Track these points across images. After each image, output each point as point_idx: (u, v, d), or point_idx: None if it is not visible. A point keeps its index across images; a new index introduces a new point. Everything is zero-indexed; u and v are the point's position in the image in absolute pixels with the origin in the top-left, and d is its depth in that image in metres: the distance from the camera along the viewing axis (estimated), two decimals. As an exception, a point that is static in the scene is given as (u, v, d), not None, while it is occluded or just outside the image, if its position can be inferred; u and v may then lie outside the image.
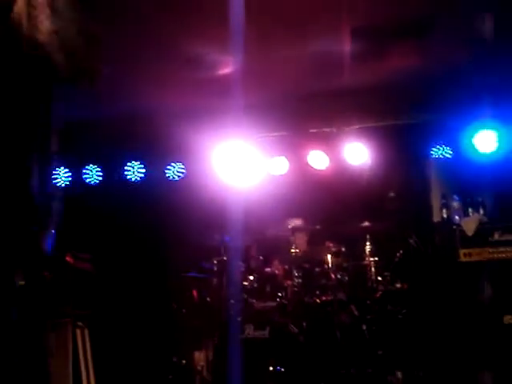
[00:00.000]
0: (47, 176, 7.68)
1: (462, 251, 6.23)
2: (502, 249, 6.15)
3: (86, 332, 6.28)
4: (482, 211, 6.53)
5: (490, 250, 6.18)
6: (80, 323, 6.21)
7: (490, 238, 6.22)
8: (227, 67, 6.44)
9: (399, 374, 6.38)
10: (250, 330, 6.40)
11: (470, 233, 6.27)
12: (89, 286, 6.43)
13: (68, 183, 7.90)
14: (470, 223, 6.34)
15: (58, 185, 7.85)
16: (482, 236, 6.24)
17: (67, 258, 6.13)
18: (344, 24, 5.77)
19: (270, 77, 6.68)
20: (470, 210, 6.57)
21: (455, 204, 6.68)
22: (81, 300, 6.27)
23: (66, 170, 7.92)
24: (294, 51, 6.17)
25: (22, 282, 5.56)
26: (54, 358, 5.89)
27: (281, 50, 6.13)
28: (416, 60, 6.35)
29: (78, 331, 6.19)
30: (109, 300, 6.90)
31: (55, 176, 7.85)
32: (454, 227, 6.40)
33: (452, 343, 6.12)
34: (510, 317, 5.97)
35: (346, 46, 6.08)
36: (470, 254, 6.21)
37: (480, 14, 5.52)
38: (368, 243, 6.91)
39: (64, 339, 6.00)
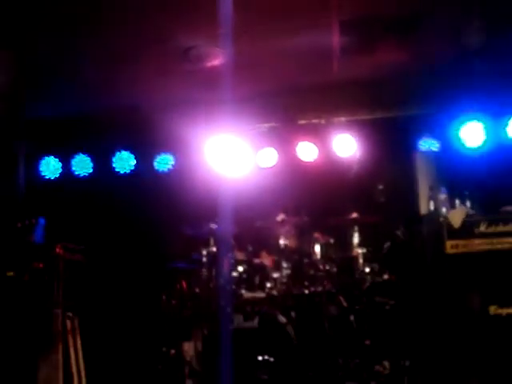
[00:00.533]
0: (34, 168, 7.70)
1: (448, 243, 6.27)
2: (488, 240, 6.20)
3: (76, 322, 6.31)
4: (468, 203, 6.58)
5: (477, 242, 6.23)
6: (70, 313, 6.24)
7: (476, 230, 6.26)
8: (216, 59, 6.46)
9: (386, 364, 6.45)
10: (238, 321, 6.44)
11: (456, 225, 6.32)
12: (79, 277, 6.46)
13: (58, 175, 7.92)
14: (456, 215, 6.39)
15: (47, 176, 7.87)
16: (468, 228, 6.29)
17: (57, 249, 6.15)
18: (333, 17, 5.80)
19: (260, 69, 6.71)
20: (456, 202, 6.63)
21: (442, 196, 6.74)
22: (71, 290, 6.30)
23: (56, 161, 7.93)
24: (284, 44, 6.20)
25: (11, 273, 5.60)
26: (43, 348, 5.93)
27: (270, 42, 6.16)
28: (404, 54, 6.40)
29: (68, 321, 6.22)
30: (99, 291, 6.93)
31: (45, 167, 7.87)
32: (441, 219, 6.45)
33: (438, 334, 6.18)
34: (495, 307, 6.03)
35: (335, 40, 6.11)
36: (456, 246, 6.26)
37: (467, 10, 5.57)
38: (356, 235, 6.96)
39: (54, 329, 6.03)
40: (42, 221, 6.29)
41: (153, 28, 5.81)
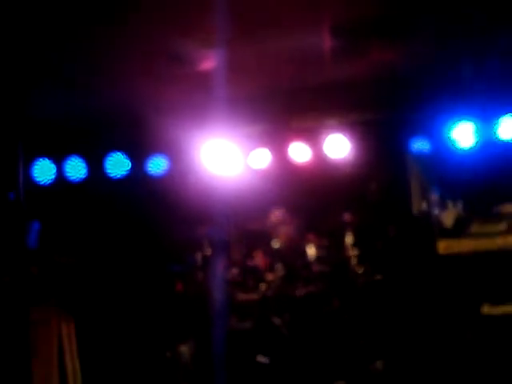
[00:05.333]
0: (31, 172, 7.70)
1: (440, 243, 6.33)
2: (479, 241, 6.26)
3: (72, 326, 6.32)
4: (460, 204, 6.63)
5: (468, 242, 6.29)
6: (65, 317, 6.25)
7: (468, 230, 6.33)
8: (209, 62, 6.48)
9: (380, 364, 6.50)
10: (233, 323, 6.48)
11: (448, 225, 6.38)
12: (74, 281, 6.46)
13: (52, 178, 7.90)
14: (448, 215, 6.45)
15: (41, 180, 7.85)
16: (460, 228, 6.36)
17: (52, 254, 6.16)
18: (324, 20, 5.83)
19: (251, 72, 6.73)
20: (448, 202, 6.68)
21: (434, 197, 6.79)
22: (66, 295, 6.30)
23: (50, 164, 7.91)
24: (275, 46, 6.22)
25: (7, 279, 5.61)
26: (39, 353, 5.94)
27: (262, 45, 6.17)
28: (395, 55, 6.43)
29: (64, 325, 6.23)
30: (94, 295, 6.94)
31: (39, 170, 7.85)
32: (433, 219, 6.50)
33: (432, 333, 6.24)
34: (487, 307, 6.09)
35: (327, 42, 6.14)
36: (448, 246, 6.32)
37: (456, 12, 5.60)
38: (349, 235, 7.00)
39: (49, 333, 6.04)
40: (36, 225, 6.30)
41: (146, 31, 5.81)
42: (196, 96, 6.86)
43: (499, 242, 6.25)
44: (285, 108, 7.63)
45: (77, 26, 5.64)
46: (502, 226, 6.29)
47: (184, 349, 6.70)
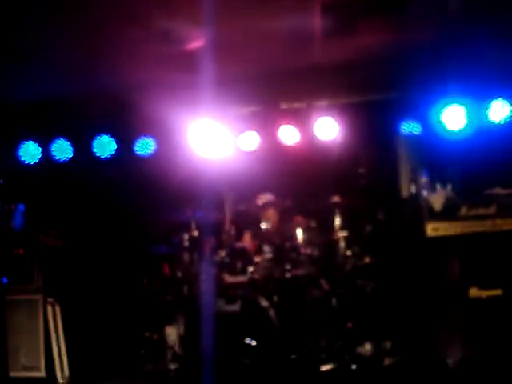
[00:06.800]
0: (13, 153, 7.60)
1: (429, 226, 6.31)
2: (468, 224, 6.25)
3: (57, 308, 6.30)
4: (449, 186, 6.61)
5: (457, 225, 6.27)
6: (51, 299, 6.23)
7: (457, 213, 6.31)
8: (198, 41, 6.41)
9: (368, 346, 6.51)
10: (221, 305, 6.45)
11: (437, 208, 6.36)
12: (60, 263, 6.43)
13: (37, 160, 7.84)
14: (437, 198, 6.42)
15: (26, 161, 7.79)
16: (449, 211, 6.33)
17: (38, 235, 6.12)
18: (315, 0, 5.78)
19: (241, 52, 6.67)
20: (437, 185, 6.66)
21: (423, 179, 6.77)
22: (52, 276, 6.27)
23: (36, 145, 7.85)
24: (265, 27, 6.16)
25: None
26: (25, 334, 5.92)
27: (252, 25, 6.11)
28: (386, 36, 6.38)
29: (49, 307, 6.21)
30: (80, 276, 6.92)
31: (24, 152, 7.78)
32: (422, 202, 6.48)
33: (419, 316, 6.24)
34: (475, 290, 6.09)
35: (317, 22, 6.08)
36: (437, 229, 6.30)
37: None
38: (338, 218, 6.98)
39: (35, 315, 6.02)
40: (21, 207, 6.26)
41: (132, 9, 5.74)
42: (184, 76, 6.79)
43: (488, 225, 6.23)
44: (274, 90, 7.58)
45: (60, 5, 5.56)
46: (491, 209, 6.27)
47: (171, 330, 6.69)
